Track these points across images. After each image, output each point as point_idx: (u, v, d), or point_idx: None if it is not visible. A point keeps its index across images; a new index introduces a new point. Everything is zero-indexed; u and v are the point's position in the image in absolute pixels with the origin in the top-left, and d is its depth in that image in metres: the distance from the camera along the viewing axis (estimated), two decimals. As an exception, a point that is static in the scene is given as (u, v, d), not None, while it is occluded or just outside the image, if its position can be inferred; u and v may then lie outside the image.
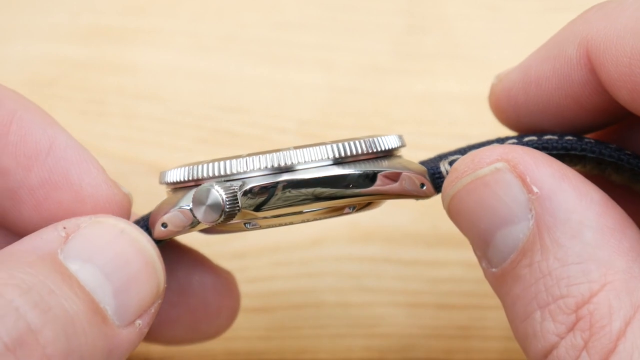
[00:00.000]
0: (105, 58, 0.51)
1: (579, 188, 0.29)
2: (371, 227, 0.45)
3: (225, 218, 0.29)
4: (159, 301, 0.31)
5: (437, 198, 0.45)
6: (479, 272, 0.45)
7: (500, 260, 0.30)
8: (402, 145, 0.32)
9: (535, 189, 0.29)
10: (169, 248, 0.36)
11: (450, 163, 0.32)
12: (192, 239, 0.35)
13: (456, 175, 0.30)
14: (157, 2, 0.53)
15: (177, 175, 0.31)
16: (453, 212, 0.31)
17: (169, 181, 0.31)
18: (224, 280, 0.36)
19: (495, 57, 0.50)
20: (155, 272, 0.30)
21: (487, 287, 0.44)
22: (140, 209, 0.35)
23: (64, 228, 0.30)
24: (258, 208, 0.30)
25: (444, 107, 0.49)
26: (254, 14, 0.53)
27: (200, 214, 0.30)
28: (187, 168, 0.31)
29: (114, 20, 0.52)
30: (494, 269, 0.30)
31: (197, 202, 0.30)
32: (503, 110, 0.35)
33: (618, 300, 0.27)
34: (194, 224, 0.31)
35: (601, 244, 0.28)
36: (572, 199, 0.29)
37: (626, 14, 0.30)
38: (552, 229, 0.28)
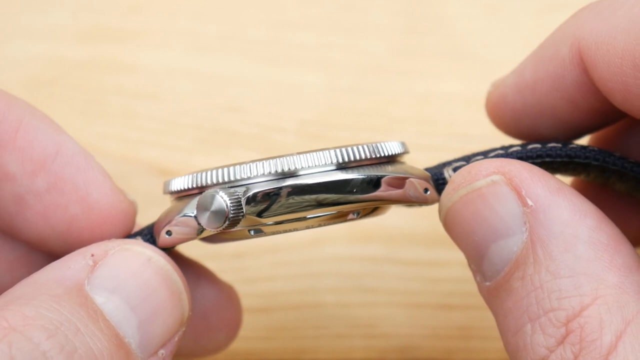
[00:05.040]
0: (105, 58, 0.51)
1: (573, 202, 0.29)
2: (371, 228, 0.45)
3: (230, 224, 0.29)
4: (183, 329, 0.30)
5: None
6: (479, 272, 0.45)
7: (494, 273, 0.29)
8: (406, 152, 0.32)
9: (530, 202, 0.29)
10: (171, 258, 0.36)
11: (455, 169, 0.32)
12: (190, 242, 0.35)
13: (453, 187, 0.30)
14: (157, 2, 0.53)
15: (180, 183, 0.31)
16: (449, 224, 0.31)
17: (172, 190, 0.31)
18: (226, 294, 0.36)
19: (495, 57, 0.50)
20: (180, 301, 0.30)
21: (487, 287, 0.44)
22: (140, 210, 0.35)
23: (92, 255, 0.30)
24: (262, 214, 0.30)
25: (444, 107, 0.49)
26: (254, 13, 0.53)
27: (204, 219, 0.30)
28: (190, 176, 0.31)
29: (114, 20, 0.52)
30: (487, 283, 0.30)
31: (202, 207, 0.30)
32: (500, 117, 0.35)
33: (609, 314, 0.27)
34: (198, 231, 0.31)
35: (594, 259, 0.28)
36: (567, 213, 0.29)
37: (618, 13, 0.30)
38: (545, 242, 0.28)
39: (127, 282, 0.29)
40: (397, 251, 0.45)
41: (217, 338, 0.36)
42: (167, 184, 0.32)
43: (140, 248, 0.31)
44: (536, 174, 0.29)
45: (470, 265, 0.31)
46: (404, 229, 0.46)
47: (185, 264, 0.36)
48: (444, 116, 0.49)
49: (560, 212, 0.29)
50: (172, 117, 0.49)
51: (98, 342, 0.27)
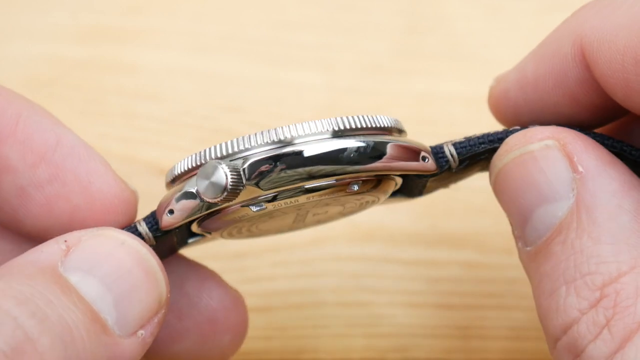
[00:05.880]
0: (105, 58, 0.51)
1: (622, 175, 0.30)
2: (371, 227, 0.45)
3: (229, 194, 0.29)
4: (163, 311, 0.31)
5: (437, 198, 0.45)
6: (479, 272, 0.45)
7: (536, 238, 0.30)
8: (403, 130, 0.32)
9: (580, 169, 0.30)
10: (178, 261, 0.36)
11: (454, 145, 0.32)
12: (194, 249, 0.35)
13: (506, 149, 0.31)
14: (157, 2, 0.53)
15: (180, 166, 0.31)
16: (499, 185, 0.31)
17: (176, 173, 0.31)
18: (232, 298, 0.36)
19: (495, 57, 0.50)
20: (156, 282, 0.30)
21: (487, 287, 0.44)
22: (140, 209, 0.35)
23: (65, 241, 0.30)
24: (261, 183, 0.30)
25: (444, 107, 0.49)
26: (254, 13, 0.53)
27: (203, 187, 0.29)
28: (188, 157, 0.31)
29: (114, 20, 0.52)
30: (528, 248, 0.30)
31: (202, 176, 0.30)
32: (502, 112, 0.35)
33: None
34: (200, 206, 0.31)
35: (636, 229, 0.29)
36: (615, 184, 0.29)
37: (618, 12, 0.31)
38: (590, 209, 0.29)
39: (102, 262, 0.30)
40: (397, 251, 0.45)
41: (222, 341, 0.36)
42: (169, 173, 0.32)
43: (113, 232, 0.31)
44: (590, 144, 0.30)
45: (513, 232, 0.31)
46: (404, 228, 0.46)
47: (191, 266, 0.36)
48: (444, 116, 0.49)
49: (609, 182, 0.29)
50: (172, 117, 0.49)
51: (72, 314, 0.28)
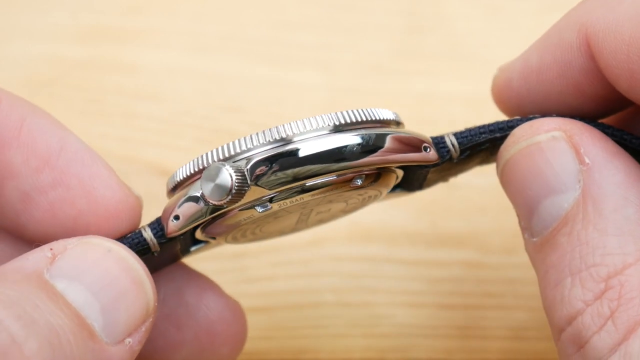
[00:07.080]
0: (105, 58, 0.51)
1: (629, 167, 0.30)
2: (371, 227, 0.45)
3: (235, 195, 0.29)
4: (151, 319, 0.30)
5: (437, 197, 0.45)
6: (479, 272, 0.45)
7: (542, 229, 0.30)
8: (401, 123, 0.32)
9: (587, 160, 0.30)
10: (178, 269, 0.36)
11: (455, 135, 0.33)
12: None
13: (513, 140, 0.31)
14: (157, 2, 0.53)
15: (182, 173, 0.31)
16: (506, 176, 0.31)
17: (177, 180, 0.31)
18: (231, 309, 0.36)
19: (495, 57, 0.50)
20: (143, 290, 0.30)
21: (487, 287, 0.44)
22: (140, 209, 0.35)
23: (51, 249, 0.30)
24: (265, 182, 0.29)
25: (444, 107, 0.49)
26: (254, 13, 0.53)
27: (209, 190, 0.29)
28: (189, 163, 0.31)
29: (114, 20, 0.52)
30: (534, 239, 0.31)
31: (207, 179, 0.29)
32: (505, 102, 0.35)
33: None
34: (205, 210, 0.31)
35: None
36: (621, 176, 0.30)
37: (626, 1, 0.31)
38: (597, 200, 0.29)
39: (88, 270, 0.29)
40: (397, 251, 0.45)
41: (220, 353, 0.36)
42: (170, 179, 0.32)
43: (99, 240, 0.31)
44: (597, 135, 0.30)
45: (520, 223, 0.32)
46: (404, 228, 0.46)
47: (192, 275, 0.36)
48: (444, 116, 0.49)
49: (615, 174, 0.30)
50: (172, 117, 0.49)
51: (58, 319, 0.27)
